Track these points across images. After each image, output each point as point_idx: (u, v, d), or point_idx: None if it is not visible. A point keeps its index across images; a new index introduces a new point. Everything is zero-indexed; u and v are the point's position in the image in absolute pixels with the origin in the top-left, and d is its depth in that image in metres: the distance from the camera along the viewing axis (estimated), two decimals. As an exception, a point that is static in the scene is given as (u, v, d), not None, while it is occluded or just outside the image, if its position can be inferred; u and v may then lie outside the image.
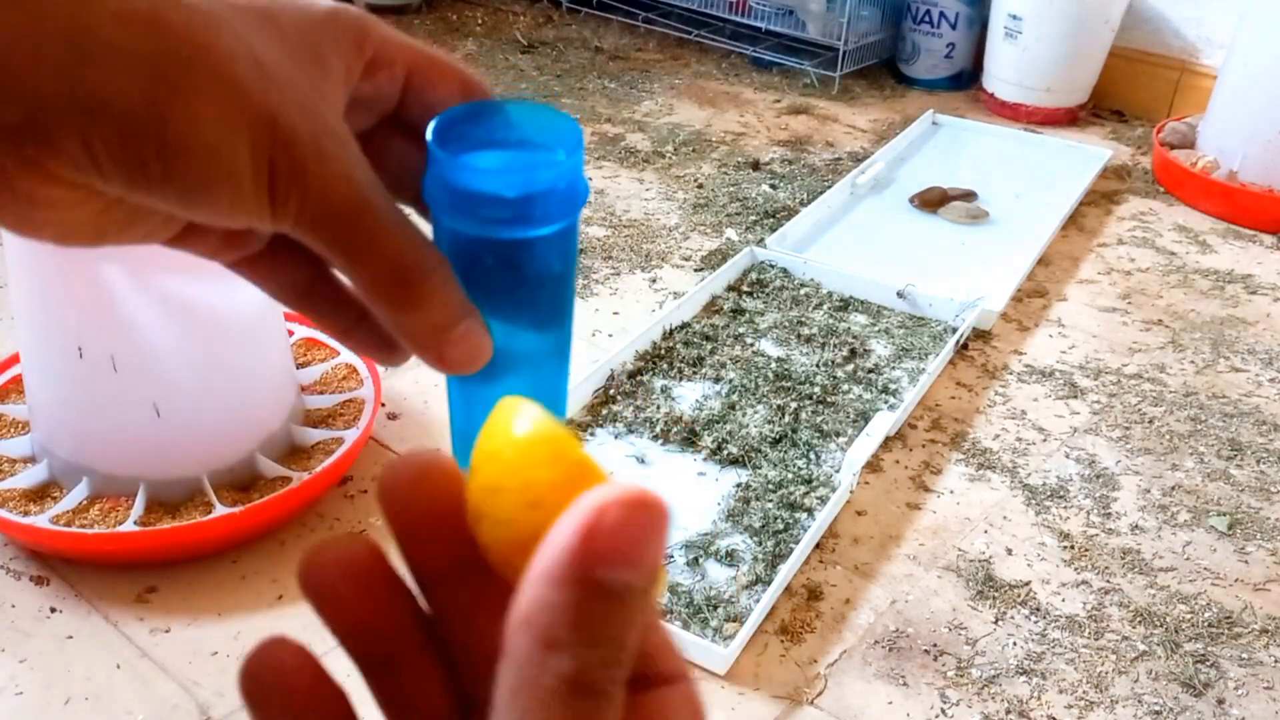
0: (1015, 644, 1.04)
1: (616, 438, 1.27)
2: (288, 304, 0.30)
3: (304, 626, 1.10)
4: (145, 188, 0.23)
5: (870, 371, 1.41)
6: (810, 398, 1.34)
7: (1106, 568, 1.14)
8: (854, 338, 1.48)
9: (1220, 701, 0.99)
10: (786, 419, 1.30)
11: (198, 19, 0.23)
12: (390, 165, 0.30)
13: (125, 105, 0.22)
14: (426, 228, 0.29)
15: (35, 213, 0.24)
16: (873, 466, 1.26)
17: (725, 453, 1.24)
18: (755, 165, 2.03)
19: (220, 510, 1.04)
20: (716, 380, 1.37)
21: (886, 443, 1.29)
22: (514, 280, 0.29)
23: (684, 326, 1.48)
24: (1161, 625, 1.07)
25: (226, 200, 0.24)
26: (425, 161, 0.29)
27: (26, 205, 0.24)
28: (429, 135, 0.27)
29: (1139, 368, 1.50)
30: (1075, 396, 1.42)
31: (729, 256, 1.66)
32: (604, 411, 1.31)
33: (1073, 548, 1.16)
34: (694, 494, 1.19)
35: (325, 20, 0.27)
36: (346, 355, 1.29)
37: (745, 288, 1.59)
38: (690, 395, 1.35)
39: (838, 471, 1.22)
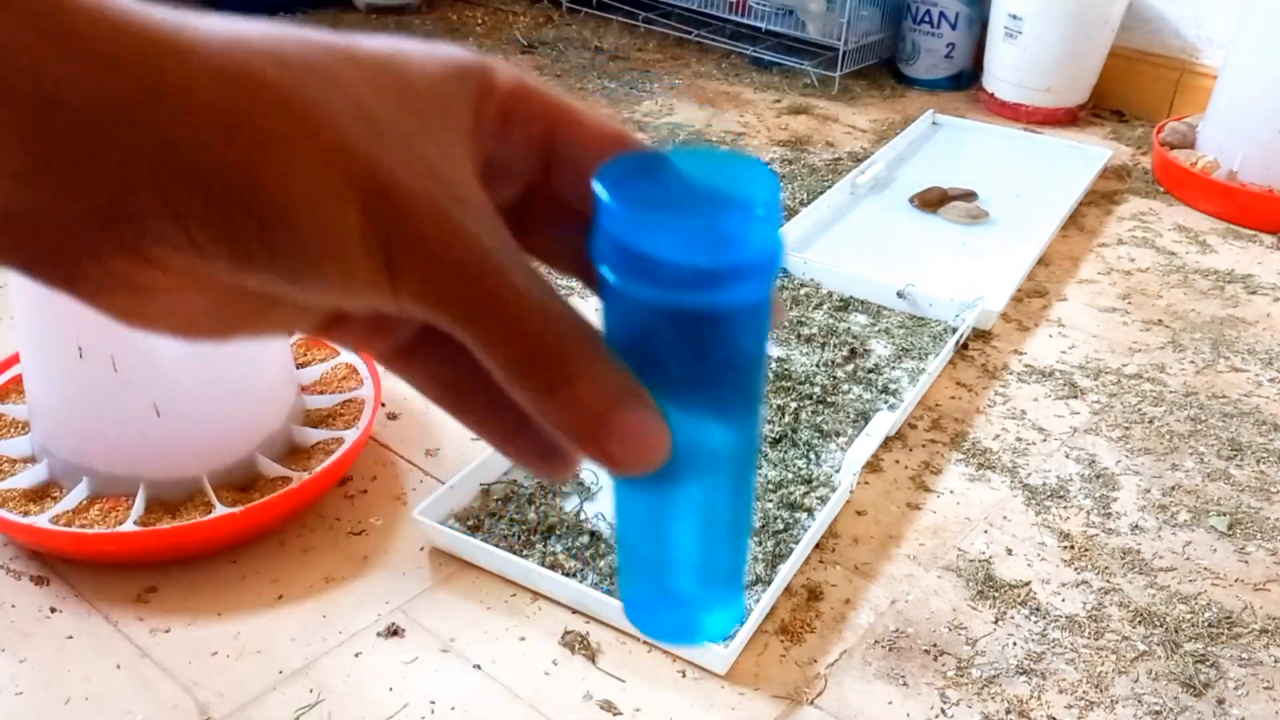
0: (1015, 644, 1.03)
1: (616, 438, 1.27)
2: (442, 405, 0.27)
3: (303, 626, 1.10)
4: (250, 268, 0.21)
5: (870, 371, 1.41)
6: (810, 398, 1.34)
7: (1106, 568, 1.14)
8: (854, 338, 1.48)
9: (1220, 701, 0.99)
10: (786, 419, 1.30)
11: (298, 74, 0.21)
12: (542, 238, 0.27)
13: (217, 173, 0.20)
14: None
15: (144, 302, 0.22)
16: (873, 466, 1.26)
17: (725, 453, 1.24)
18: (755, 165, 2.03)
19: (220, 510, 1.05)
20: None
21: (886, 443, 1.29)
22: (699, 360, 0.25)
23: (684, 326, 1.47)
24: (1161, 625, 1.07)
25: (336, 275, 0.21)
26: (582, 232, 0.25)
27: (130, 294, 0.21)
28: (596, 185, 0.24)
29: (1139, 368, 1.50)
30: (1075, 396, 1.42)
31: (729, 256, 1.65)
32: (604, 411, 1.30)
33: (1073, 548, 1.16)
34: (694, 494, 1.19)
35: (450, 71, 0.23)
36: (346, 355, 1.29)
37: (745, 288, 1.59)
38: (690, 395, 1.34)
39: (838, 471, 1.22)
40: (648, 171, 0.25)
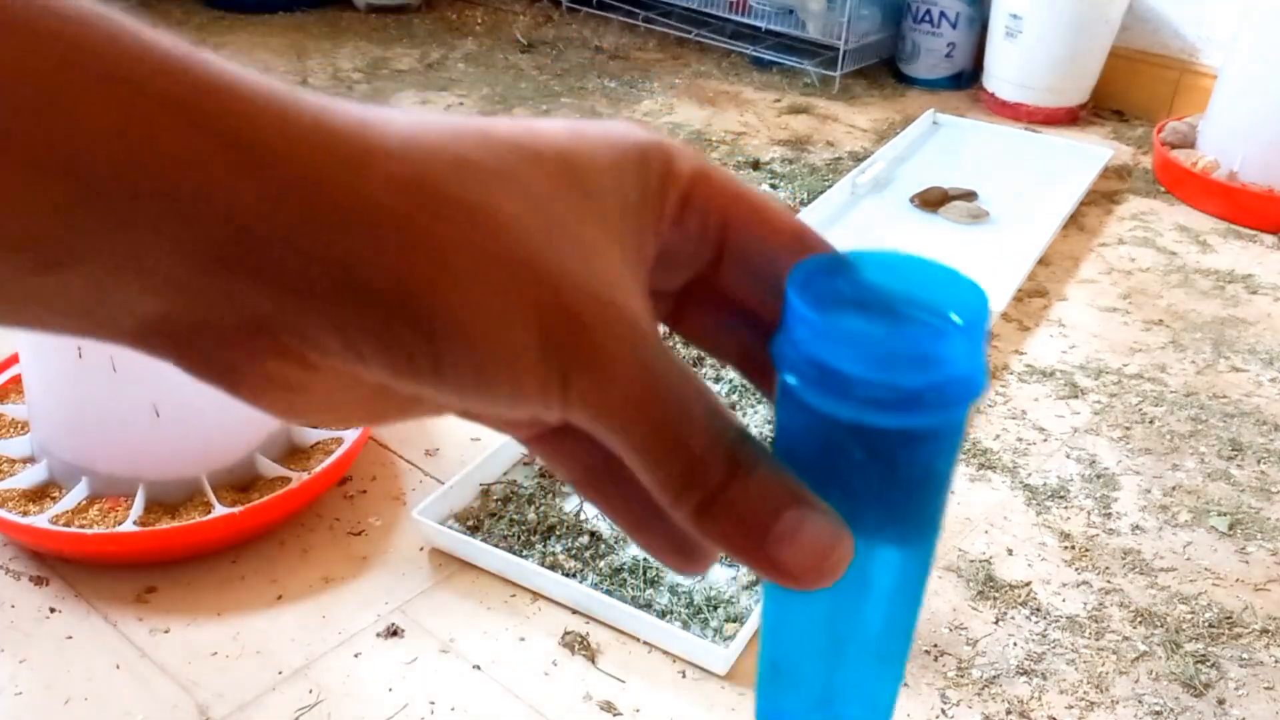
0: (1016, 644, 1.03)
1: (616, 438, 1.27)
2: (578, 489, 0.27)
3: (303, 627, 1.09)
4: (413, 378, 0.20)
5: (870, 371, 1.41)
6: (810, 398, 1.34)
7: (1107, 568, 1.14)
8: (854, 337, 1.48)
9: (1221, 702, 0.99)
10: (787, 419, 1.30)
11: (478, 178, 0.20)
12: (699, 325, 0.26)
13: (389, 288, 0.19)
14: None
15: (300, 401, 0.21)
16: (873, 466, 1.26)
17: (725, 453, 1.24)
18: (755, 165, 2.03)
19: (219, 510, 1.04)
20: (717, 380, 1.37)
21: (887, 443, 1.29)
22: (887, 480, 0.23)
23: (684, 326, 1.47)
24: (1162, 625, 1.07)
25: (507, 392, 0.20)
26: (743, 329, 0.25)
27: (286, 392, 0.21)
28: (790, 288, 0.22)
29: (1140, 367, 1.50)
30: (1076, 396, 1.42)
31: (729, 256, 1.65)
32: (604, 411, 1.30)
33: (1073, 548, 1.16)
34: (694, 494, 1.19)
35: (632, 160, 0.23)
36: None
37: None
38: (690, 395, 1.34)
39: (838, 471, 1.22)
40: (838, 276, 0.24)
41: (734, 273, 0.25)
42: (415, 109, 0.21)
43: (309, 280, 0.19)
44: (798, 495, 0.22)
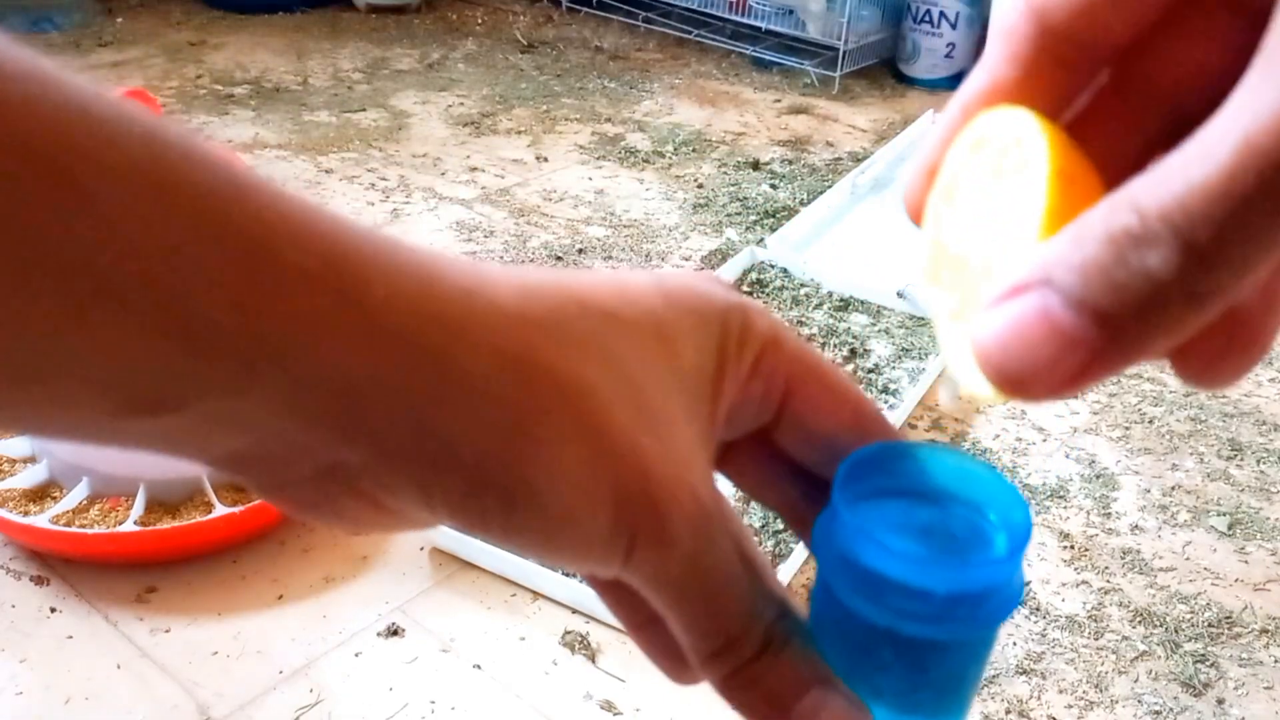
0: (1015, 644, 1.04)
1: (616, 437, 1.27)
2: (626, 626, 0.28)
3: (303, 626, 1.09)
4: (481, 531, 0.21)
5: (870, 371, 1.41)
6: (810, 398, 1.34)
7: (1106, 568, 1.14)
8: (854, 338, 1.48)
9: (1220, 701, 0.99)
10: (786, 419, 1.30)
11: (573, 356, 0.21)
12: (748, 472, 0.28)
13: (474, 456, 0.20)
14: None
15: (364, 528, 0.23)
16: (873, 466, 1.26)
17: (725, 453, 1.24)
18: (755, 165, 2.03)
19: (220, 510, 1.04)
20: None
21: (886, 443, 1.29)
22: (914, 680, 0.24)
23: (684, 326, 1.47)
24: (1161, 625, 1.07)
25: (571, 556, 0.22)
26: (792, 483, 0.26)
27: (354, 524, 0.22)
28: (836, 485, 0.23)
29: (1139, 367, 1.50)
30: (1075, 396, 1.42)
31: (729, 256, 1.66)
32: (604, 411, 1.30)
33: (1073, 548, 1.16)
34: (694, 494, 1.19)
35: (714, 323, 0.24)
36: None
37: (745, 288, 1.59)
38: (690, 395, 1.34)
39: (838, 471, 1.22)
40: (888, 469, 0.24)
41: (791, 434, 0.26)
42: (517, 269, 0.22)
43: (399, 443, 0.19)
44: (821, 677, 0.23)
